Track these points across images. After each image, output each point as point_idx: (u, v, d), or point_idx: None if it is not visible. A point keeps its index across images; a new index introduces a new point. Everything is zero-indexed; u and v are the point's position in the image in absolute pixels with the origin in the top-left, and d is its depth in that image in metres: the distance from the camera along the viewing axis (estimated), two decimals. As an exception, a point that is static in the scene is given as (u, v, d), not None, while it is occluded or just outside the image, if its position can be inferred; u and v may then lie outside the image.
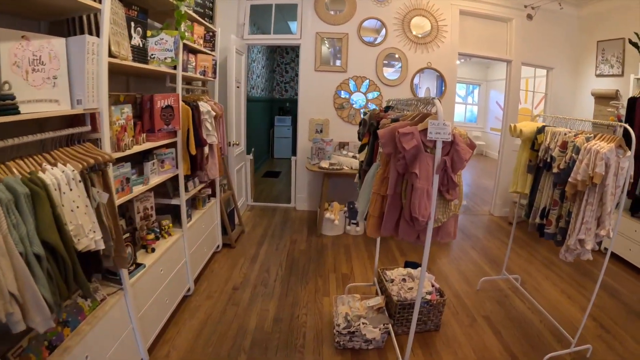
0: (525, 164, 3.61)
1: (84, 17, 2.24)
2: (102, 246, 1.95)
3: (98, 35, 2.21)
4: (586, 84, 6.39)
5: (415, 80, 6.20)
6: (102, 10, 2.18)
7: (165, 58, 3.09)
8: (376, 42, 6.03)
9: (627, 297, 4.13)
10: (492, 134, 13.91)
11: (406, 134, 2.04)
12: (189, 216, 3.76)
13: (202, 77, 3.99)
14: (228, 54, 5.24)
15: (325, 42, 6.07)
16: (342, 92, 6.15)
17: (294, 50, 11.10)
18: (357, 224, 5.52)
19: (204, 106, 3.73)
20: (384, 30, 6.00)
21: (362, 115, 3.36)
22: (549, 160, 3.24)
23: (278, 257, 4.77)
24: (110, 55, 2.32)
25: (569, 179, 2.88)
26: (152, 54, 3.02)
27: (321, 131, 6.20)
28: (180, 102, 3.31)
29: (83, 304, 2.23)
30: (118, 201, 2.41)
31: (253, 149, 6.82)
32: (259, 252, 4.90)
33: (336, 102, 6.15)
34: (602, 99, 5.96)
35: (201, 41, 3.99)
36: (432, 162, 2.11)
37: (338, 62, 6.12)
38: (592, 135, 2.97)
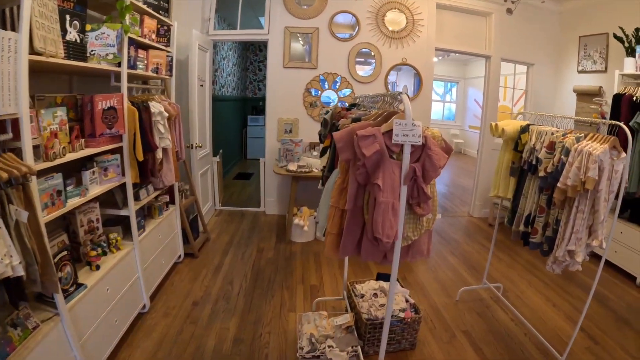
0: (508, 166, 3.26)
1: (7, 11, 1.91)
2: (20, 272, 1.67)
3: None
4: (568, 81, 6.12)
5: (392, 78, 5.84)
6: (22, 2, 1.84)
7: (107, 54, 2.73)
8: (348, 37, 5.64)
9: (615, 302, 3.87)
10: (470, 132, 13.72)
11: (366, 136, 1.65)
12: (142, 227, 3.39)
13: (154, 75, 3.58)
14: (190, 51, 4.80)
15: (299, 38, 5.66)
16: (313, 89, 5.75)
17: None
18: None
19: (155, 107, 3.35)
20: (356, 25, 5.61)
21: (323, 114, 3.04)
22: (534, 162, 2.89)
23: (243, 267, 4.36)
24: (34, 52, 1.98)
25: (558, 184, 2.53)
26: (92, 50, 2.66)
27: (290, 131, 5.79)
28: (126, 102, 2.93)
29: (12, 334, 1.89)
30: (48, 217, 2.15)
31: (221, 151, 6.40)
32: (224, 261, 4.49)
33: (306, 101, 5.75)
34: (584, 95, 5.71)
35: (153, 36, 3.58)
36: (399, 171, 1.72)
37: (308, 59, 5.70)
38: (582, 135, 2.61)
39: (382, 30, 5.60)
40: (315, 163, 5.08)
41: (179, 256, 4.37)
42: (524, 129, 3.05)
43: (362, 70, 5.78)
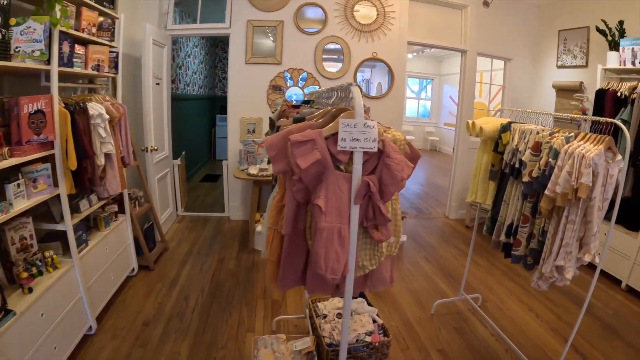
0: (487, 169, 2.88)
1: None
2: None
3: None
4: (547, 76, 5.83)
5: (366, 75, 5.45)
6: None
7: (33, 51, 2.35)
8: (315, 31, 5.21)
9: (601, 310, 3.60)
10: (445, 130, 13.49)
11: (302, 142, 1.24)
12: (84, 241, 2.99)
13: (95, 72, 3.16)
14: (143, 46, 4.33)
15: (264, 32, 5.19)
16: (277, 86, 5.28)
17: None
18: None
19: (94, 108, 2.93)
20: (323, 17, 5.18)
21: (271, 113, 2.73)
22: (517, 165, 2.52)
23: (201, 279, 3.93)
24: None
25: (546, 192, 2.17)
26: (17, 47, 2.30)
27: (254, 131, 5.34)
28: (56, 105, 2.52)
29: None
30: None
31: (183, 153, 5.92)
32: (181, 273, 4.05)
33: (270, 99, 5.31)
34: (564, 91, 5.45)
35: (94, 29, 3.16)
36: (348, 186, 1.31)
37: (272, 54, 5.26)
38: (572, 134, 2.23)
39: (352, 23, 5.19)
40: None
41: (133, 269, 3.93)
42: (505, 128, 2.67)
43: (330, 66, 5.37)
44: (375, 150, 1.28)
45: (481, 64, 5.96)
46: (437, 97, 14.20)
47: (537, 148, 2.30)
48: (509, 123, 2.70)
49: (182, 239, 4.95)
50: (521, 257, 2.53)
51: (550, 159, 2.16)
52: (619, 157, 2.08)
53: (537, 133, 2.39)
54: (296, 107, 2.36)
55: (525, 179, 2.34)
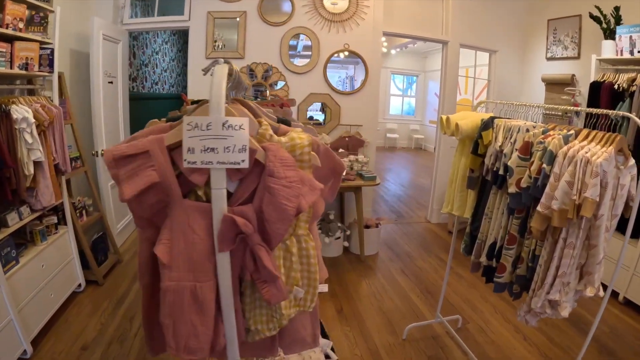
0: (465, 175, 2.36)
1: None
2: None
3: None
4: (535, 69, 5.39)
5: (350, 72, 4.92)
6: None
7: None
8: (281, 22, 4.65)
9: (597, 328, 3.05)
10: (431, 127, 13.05)
11: (127, 158, 0.71)
12: (14, 258, 2.64)
13: (22, 71, 2.78)
14: (91, 42, 3.82)
15: (231, 26, 4.64)
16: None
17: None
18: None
19: (18, 112, 2.55)
20: (290, 7, 4.62)
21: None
22: (501, 171, 1.99)
23: (145, 298, 3.35)
24: None
25: (538, 208, 1.66)
26: None
27: None
28: None
29: None
30: None
31: None
32: (131, 289, 3.55)
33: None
34: (555, 85, 5.00)
35: (21, 24, 2.74)
36: (206, 223, 0.76)
37: (234, 47, 4.71)
38: (572, 132, 1.72)
39: (321, 12, 4.65)
40: None
41: (79, 285, 3.45)
42: (487, 125, 2.16)
43: (298, 60, 4.82)
44: (245, 165, 0.77)
45: (465, 59, 5.46)
46: (422, 94, 13.72)
47: (526, 150, 1.79)
48: (492, 118, 2.19)
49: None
50: (505, 285, 2.03)
51: (544, 165, 1.65)
52: (632, 161, 1.58)
53: (527, 131, 1.88)
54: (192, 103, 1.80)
55: (512, 189, 1.83)
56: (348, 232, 4.39)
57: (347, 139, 4.68)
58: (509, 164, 1.85)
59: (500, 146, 2.02)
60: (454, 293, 3.64)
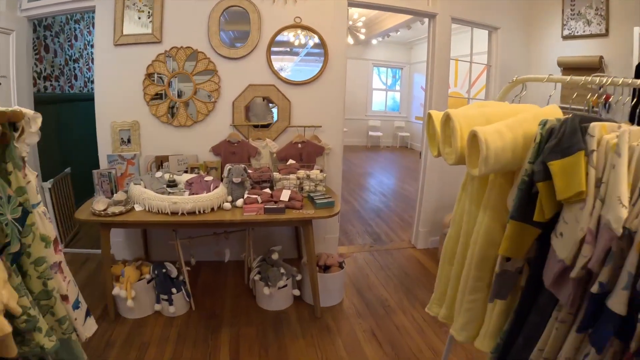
0: (485, 258, 1.02)
1: None
2: None
3: None
4: (547, 50, 4.12)
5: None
6: None
7: None
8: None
9: None
10: (417, 124, 11.76)
11: None
12: None
13: None
14: None
15: (145, 2, 3.30)
16: (157, 75, 3.38)
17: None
18: (170, 301, 2.85)
19: None
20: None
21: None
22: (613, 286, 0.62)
23: None
24: None
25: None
26: None
27: (129, 141, 3.42)
28: None
29: None
30: None
31: (68, 170, 4.17)
32: None
33: (147, 93, 3.39)
34: (575, 70, 3.71)
35: None
36: None
37: (149, 29, 3.33)
38: None
39: (264, -26, 3.31)
40: (147, 197, 2.69)
41: None
42: (569, 141, 0.81)
43: (229, 39, 3.46)
44: None
45: (456, 47, 4.13)
46: (407, 87, 12.42)
47: None
48: (574, 120, 0.87)
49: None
50: None
51: None
52: None
53: None
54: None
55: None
56: (299, 277, 3.06)
57: (299, 145, 3.36)
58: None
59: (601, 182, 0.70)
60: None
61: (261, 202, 2.63)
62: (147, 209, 2.65)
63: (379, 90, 12.51)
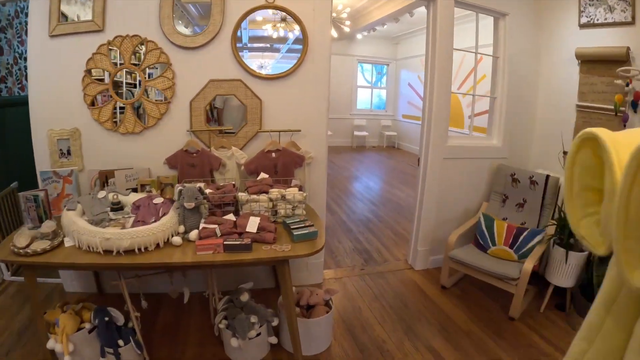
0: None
1: None
2: None
3: None
4: (562, 40, 3.56)
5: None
6: None
7: None
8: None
9: None
10: (404, 123, 11.22)
11: None
12: None
13: None
14: None
15: None
16: (98, 71, 2.70)
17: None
18: (116, 355, 2.21)
19: None
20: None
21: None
22: None
23: None
24: None
25: None
26: None
27: (68, 153, 2.74)
28: None
29: None
30: None
31: (14, 185, 3.49)
32: None
33: (88, 94, 2.71)
34: (597, 64, 3.24)
35: None
36: None
37: (89, 15, 2.65)
38: None
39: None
40: (78, 228, 2.03)
41: None
42: None
43: (189, 26, 2.80)
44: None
45: (455, 41, 3.54)
46: (394, 84, 11.82)
47: None
48: None
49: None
50: None
51: None
52: None
53: None
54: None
55: None
56: (275, 323, 2.43)
57: (273, 154, 2.73)
58: None
59: None
60: None
61: (220, 236, 2.00)
62: (77, 244, 2.01)
63: (364, 87, 11.91)
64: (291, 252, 1.99)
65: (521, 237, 3.15)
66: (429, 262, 3.72)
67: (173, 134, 2.79)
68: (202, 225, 2.07)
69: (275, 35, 2.89)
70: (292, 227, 2.14)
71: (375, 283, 3.43)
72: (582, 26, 3.36)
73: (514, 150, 3.73)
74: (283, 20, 2.84)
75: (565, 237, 3.00)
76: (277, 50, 2.94)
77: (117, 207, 2.34)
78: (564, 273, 3.00)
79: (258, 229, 2.04)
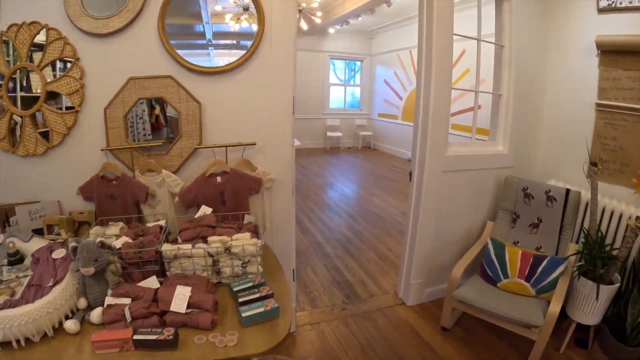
0: None
1: None
2: None
3: None
4: (577, 26, 2.98)
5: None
6: None
7: None
8: None
9: None
10: (380, 122, 10.65)
11: None
12: None
13: None
14: None
15: None
16: None
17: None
18: None
19: None
20: None
21: None
22: None
23: None
24: None
25: None
26: None
27: None
28: None
29: None
30: None
31: None
32: None
33: None
34: (621, 55, 2.71)
35: None
36: None
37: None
38: None
39: None
40: None
41: None
42: None
43: (102, 9, 2.02)
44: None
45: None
46: (369, 82, 11.23)
47: None
48: None
49: None
50: None
51: None
52: None
53: None
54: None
55: None
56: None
57: (219, 179, 2.01)
58: None
59: None
60: None
61: (131, 321, 1.28)
62: None
63: (336, 85, 11.27)
64: (237, 349, 1.24)
65: (540, 268, 2.54)
66: (424, 296, 3.08)
67: (85, 153, 2.01)
68: (107, 302, 1.34)
69: (237, 28, 2.18)
70: (240, 299, 1.41)
71: (360, 328, 2.76)
72: (601, 10, 2.80)
73: (520, 158, 3.13)
74: (246, 10, 2.14)
75: (598, 267, 2.40)
76: (245, 48, 2.23)
77: (16, 259, 1.60)
78: (592, 309, 2.42)
79: (189, 304, 1.32)
